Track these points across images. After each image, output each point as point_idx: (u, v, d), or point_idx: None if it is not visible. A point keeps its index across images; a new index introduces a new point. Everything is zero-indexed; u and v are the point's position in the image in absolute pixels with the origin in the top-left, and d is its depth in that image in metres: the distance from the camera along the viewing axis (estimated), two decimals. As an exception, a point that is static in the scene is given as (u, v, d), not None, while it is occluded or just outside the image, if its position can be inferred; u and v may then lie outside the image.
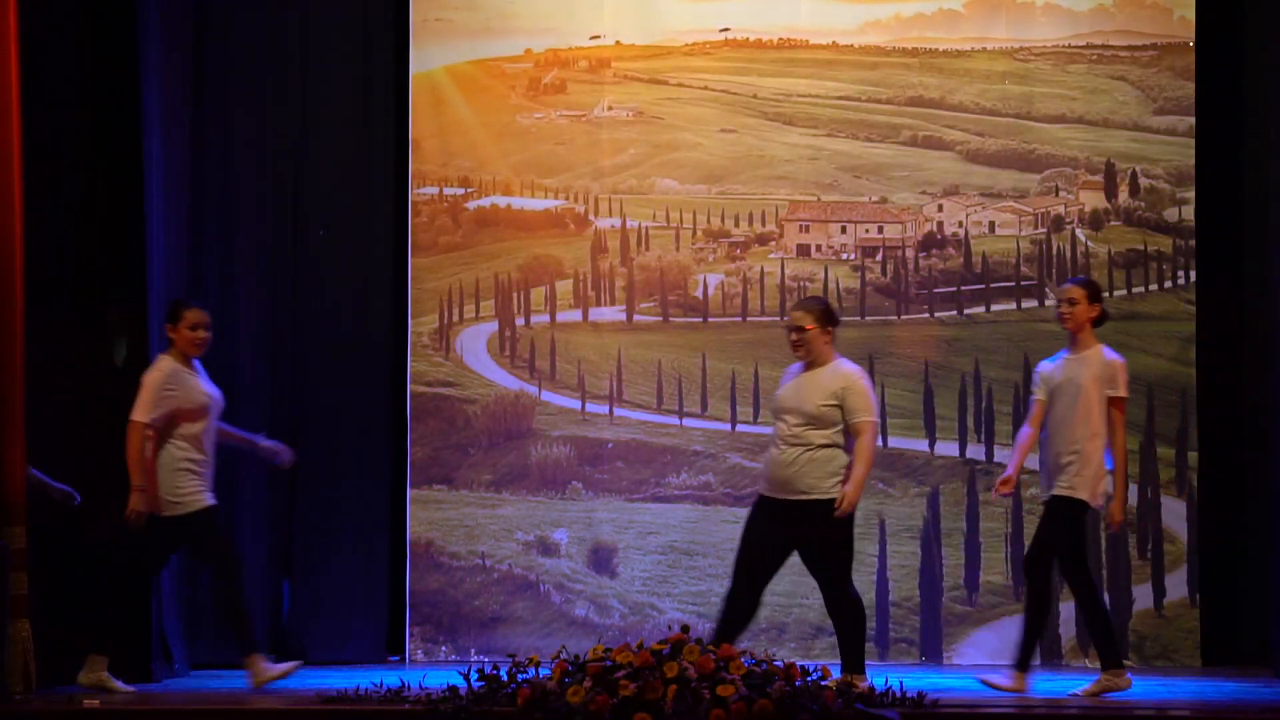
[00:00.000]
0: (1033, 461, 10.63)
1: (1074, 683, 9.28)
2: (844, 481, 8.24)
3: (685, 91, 11.27)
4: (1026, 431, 8.79)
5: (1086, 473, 8.55)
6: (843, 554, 8.32)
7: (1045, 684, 9.30)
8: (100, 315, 9.49)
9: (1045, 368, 8.82)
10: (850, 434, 8.36)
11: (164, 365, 8.92)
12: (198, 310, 9.05)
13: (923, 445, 10.76)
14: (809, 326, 8.37)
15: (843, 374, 8.42)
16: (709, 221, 11.14)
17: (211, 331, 9.07)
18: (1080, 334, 8.70)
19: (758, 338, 10.85)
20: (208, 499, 8.91)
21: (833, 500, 8.25)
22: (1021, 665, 8.59)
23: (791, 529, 8.27)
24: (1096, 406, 8.58)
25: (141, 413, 8.78)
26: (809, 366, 8.42)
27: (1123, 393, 8.61)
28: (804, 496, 8.25)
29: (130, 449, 8.72)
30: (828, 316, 8.47)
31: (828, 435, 8.29)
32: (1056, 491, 8.59)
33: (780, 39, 11.21)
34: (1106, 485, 8.65)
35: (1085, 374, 8.60)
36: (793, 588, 10.51)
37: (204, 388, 8.99)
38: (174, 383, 8.86)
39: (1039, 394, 8.72)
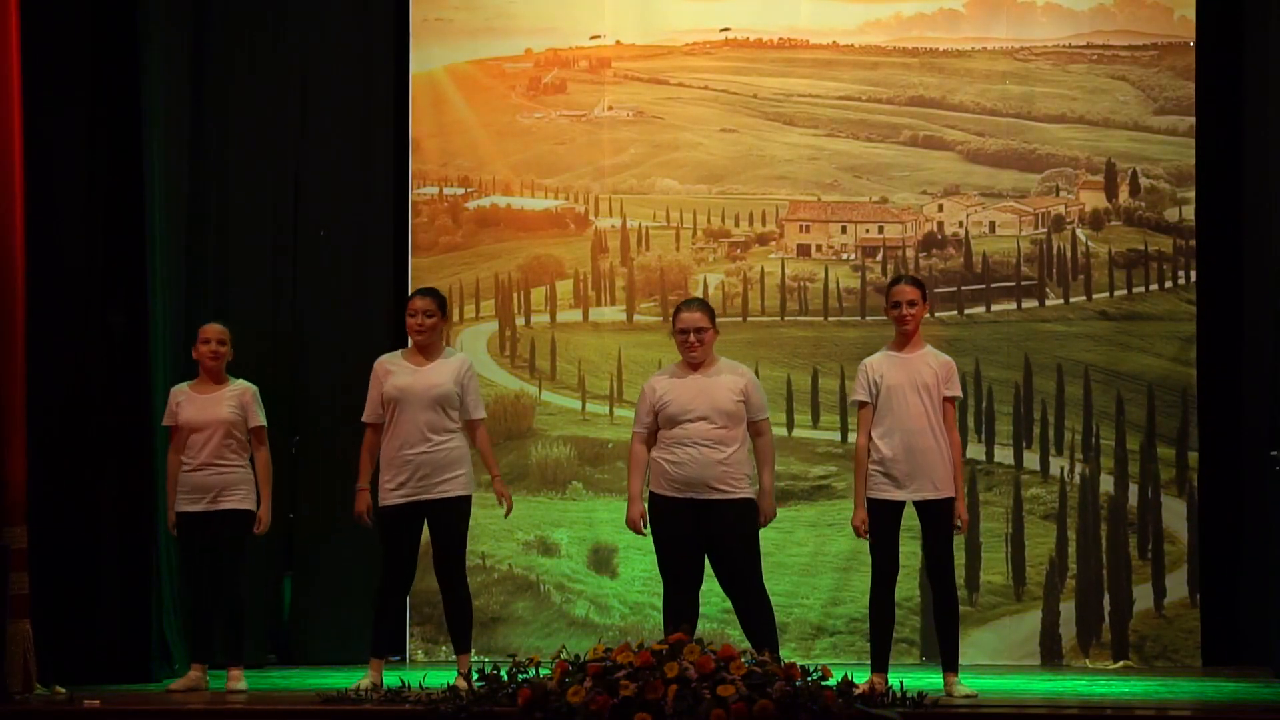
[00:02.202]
0: (1032, 461, 10.71)
1: (1074, 683, 9.30)
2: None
3: (685, 91, 11.27)
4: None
5: (951, 471, 8.41)
6: (757, 552, 8.29)
7: (1045, 684, 9.31)
8: (100, 316, 9.49)
9: (876, 366, 8.44)
10: (751, 434, 8.31)
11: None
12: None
13: (923, 445, 10.75)
14: (708, 328, 8.33)
15: (741, 371, 8.37)
16: (709, 221, 11.14)
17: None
18: (917, 334, 8.52)
19: (758, 338, 10.86)
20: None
21: (750, 500, 8.23)
22: (953, 665, 8.44)
23: (709, 528, 8.18)
24: (940, 406, 8.41)
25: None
26: (698, 368, 8.35)
27: (959, 392, 8.49)
28: (726, 496, 8.19)
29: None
30: (715, 317, 8.44)
31: (742, 433, 8.27)
32: (943, 494, 8.39)
33: (780, 39, 11.22)
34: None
35: (926, 373, 8.42)
36: (793, 588, 10.54)
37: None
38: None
39: (864, 396, 8.43)
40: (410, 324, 8.75)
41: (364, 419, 8.84)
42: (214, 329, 8.96)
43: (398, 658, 10.67)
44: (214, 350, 8.90)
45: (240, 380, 8.98)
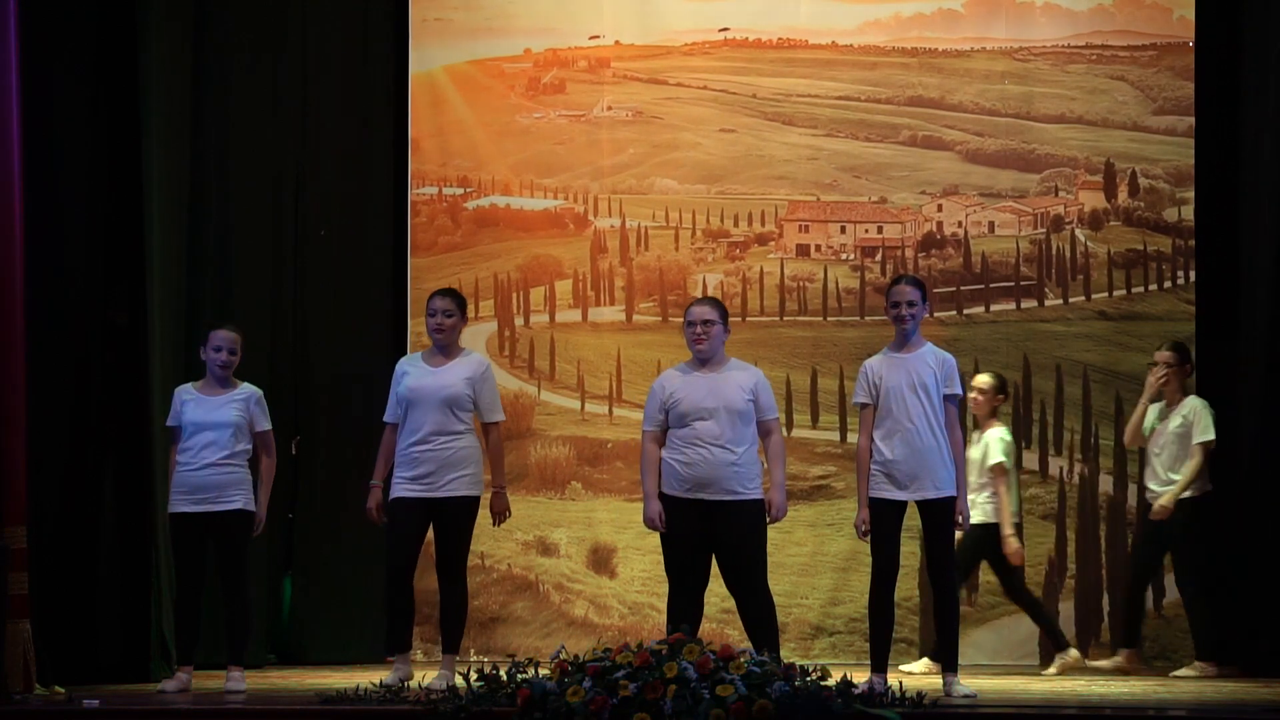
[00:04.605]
0: (1031, 461, 10.71)
1: (1073, 683, 9.30)
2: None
3: (684, 91, 11.27)
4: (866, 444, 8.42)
5: (953, 470, 8.40)
6: (764, 553, 8.29)
7: (1044, 684, 9.31)
8: (101, 316, 9.49)
9: (875, 368, 8.40)
10: (760, 433, 8.29)
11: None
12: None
13: (922, 445, 10.74)
14: (715, 320, 8.31)
15: (751, 371, 8.36)
16: (708, 221, 11.15)
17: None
18: (916, 334, 8.50)
19: (757, 338, 10.86)
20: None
21: (759, 500, 8.23)
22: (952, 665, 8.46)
23: (718, 528, 8.17)
24: (940, 405, 8.40)
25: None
26: (707, 365, 8.34)
27: (959, 390, 8.49)
28: (736, 496, 8.17)
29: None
30: (727, 317, 8.41)
31: (753, 433, 8.26)
32: (945, 494, 8.31)
33: (779, 39, 11.22)
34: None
35: (925, 372, 8.41)
36: (792, 588, 10.53)
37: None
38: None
39: (865, 398, 8.38)
40: (429, 324, 8.76)
41: (384, 419, 8.84)
42: (227, 337, 8.82)
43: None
44: (224, 360, 8.83)
45: (247, 384, 8.93)
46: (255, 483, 8.85)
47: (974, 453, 9.91)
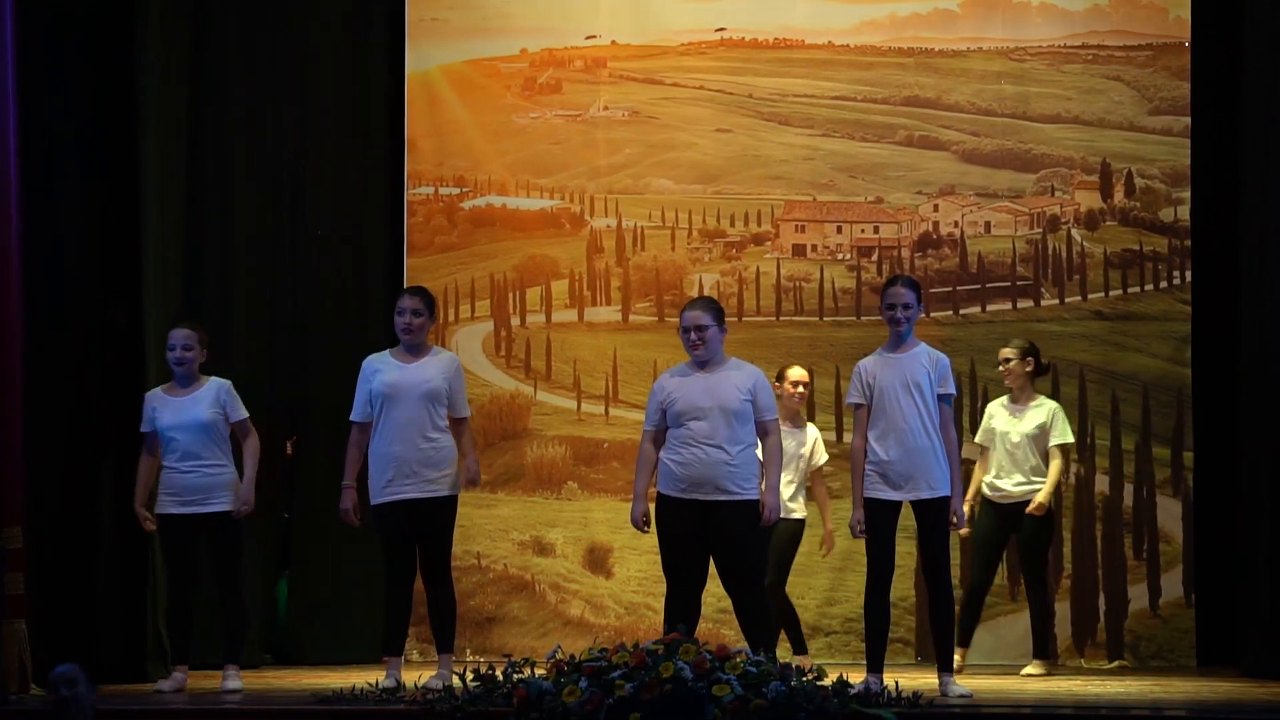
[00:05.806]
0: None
1: (1069, 683, 9.30)
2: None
3: (681, 91, 11.28)
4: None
5: (947, 470, 8.41)
6: (762, 553, 8.29)
7: (1040, 684, 9.31)
8: (98, 315, 9.48)
9: (869, 368, 8.41)
10: (758, 434, 8.30)
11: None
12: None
13: (918, 445, 10.74)
14: (709, 325, 8.30)
15: (750, 371, 8.33)
16: (704, 221, 11.15)
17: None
18: (911, 334, 8.50)
19: (754, 338, 10.85)
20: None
21: (756, 500, 8.22)
22: (948, 665, 8.48)
23: (714, 528, 8.16)
24: (934, 404, 8.41)
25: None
26: (705, 366, 8.33)
27: (953, 390, 8.48)
28: (731, 496, 8.16)
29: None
30: (722, 316, 8.40)
31: (750, 433, 8.25)
32: (939, 494, 8.33)
33: (776, 39, 11.23)
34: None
35: (919, 372, 8.41)
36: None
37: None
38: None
39: (859, 399, 8.40)
40: (398, 323, 8.74)
41: (352, 418, 8.82)
42: (178, 335, 8.83)
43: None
44: (179, 356, 8.80)
45: (213, 378, 8.91)
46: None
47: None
